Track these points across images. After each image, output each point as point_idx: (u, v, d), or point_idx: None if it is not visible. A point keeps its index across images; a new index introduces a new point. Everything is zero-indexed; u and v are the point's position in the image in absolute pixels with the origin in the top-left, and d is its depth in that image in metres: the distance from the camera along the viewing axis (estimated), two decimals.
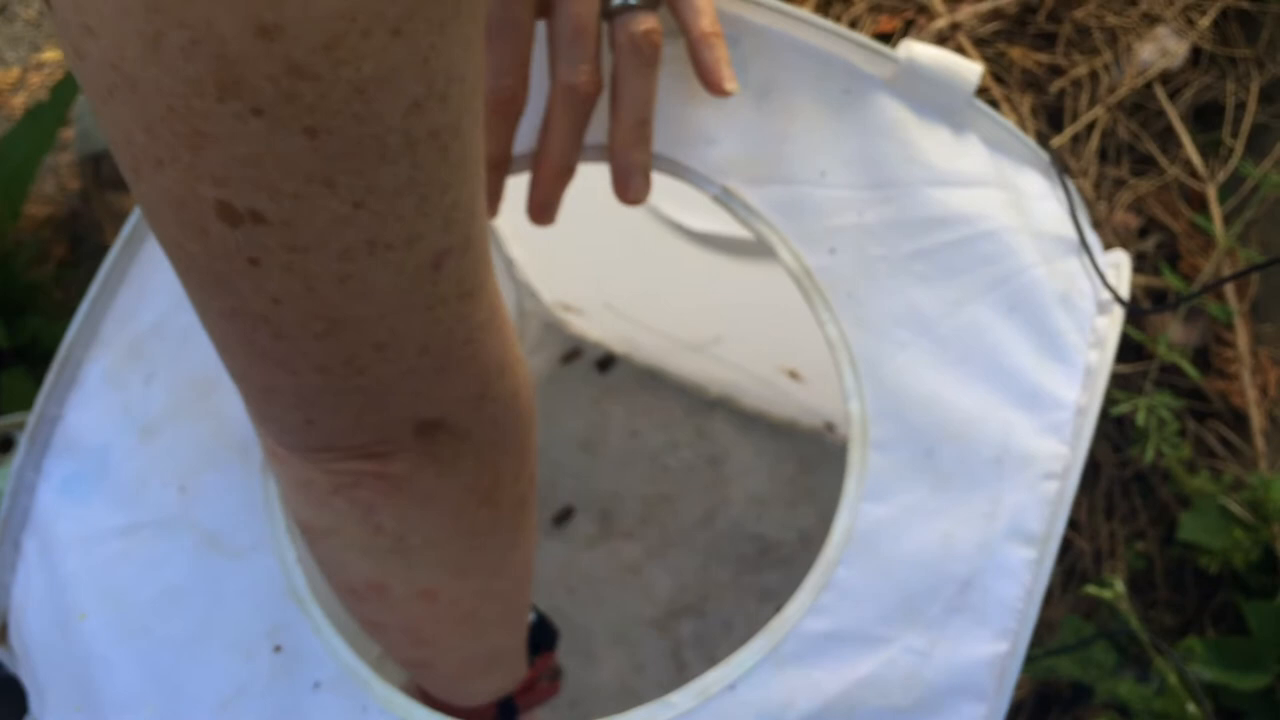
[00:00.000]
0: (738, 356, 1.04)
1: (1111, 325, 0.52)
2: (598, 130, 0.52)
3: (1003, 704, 0.47)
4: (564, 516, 1.04)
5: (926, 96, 0.52)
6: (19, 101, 1.07)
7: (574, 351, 1.10)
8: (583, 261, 1.01)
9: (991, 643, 0.47)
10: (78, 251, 1.06)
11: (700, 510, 1.04)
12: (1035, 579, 0.47)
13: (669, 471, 1.06)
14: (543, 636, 0.66)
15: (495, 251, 1.02)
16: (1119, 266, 0.54)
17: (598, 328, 1.09)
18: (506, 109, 0.49)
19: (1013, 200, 0.52)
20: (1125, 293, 0.53)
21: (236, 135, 0.29)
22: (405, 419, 0.40)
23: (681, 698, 0.46)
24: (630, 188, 0.52)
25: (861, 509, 0.48)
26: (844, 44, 0.52)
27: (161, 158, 0.30)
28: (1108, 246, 1.01)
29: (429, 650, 0.51)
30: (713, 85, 0.49)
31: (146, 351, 0.49)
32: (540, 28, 0.50)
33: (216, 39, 0.27)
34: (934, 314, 0.50)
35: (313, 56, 0.28)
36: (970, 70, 0.52)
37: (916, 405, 0.49)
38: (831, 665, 0.46)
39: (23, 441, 0.48)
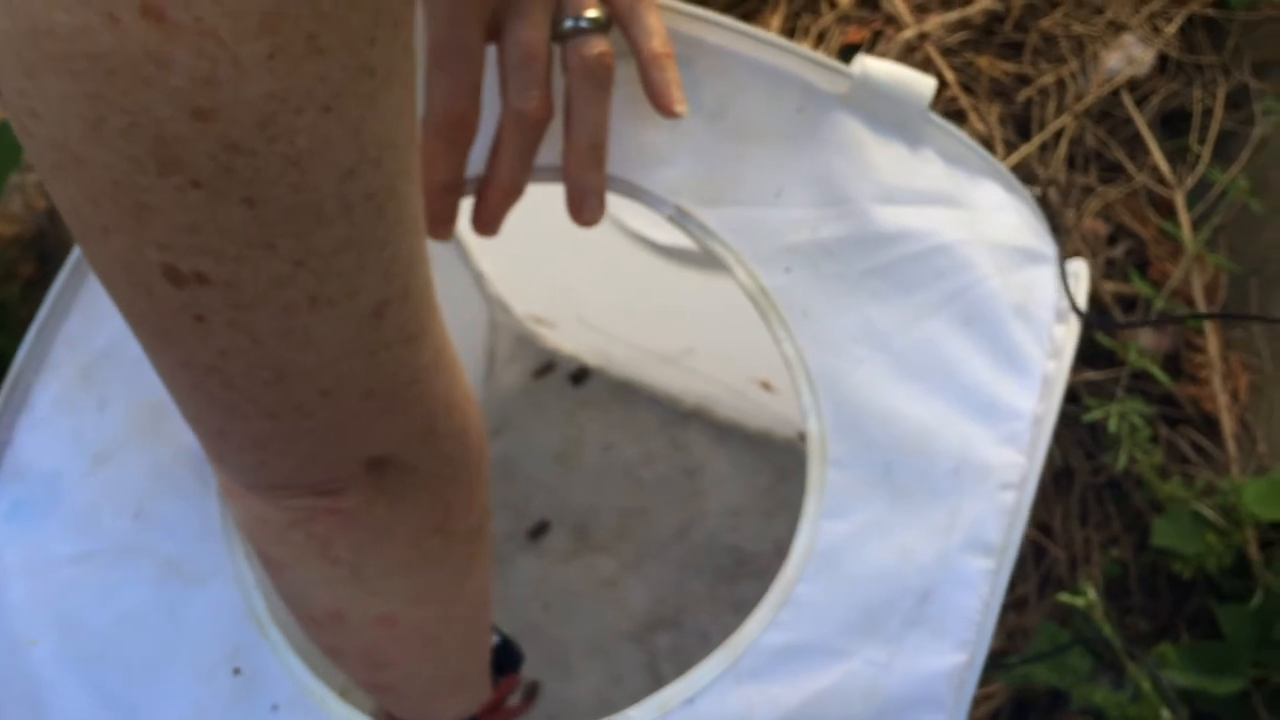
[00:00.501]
0: (711, 368, 1.04)
1: (1069, 334, 0.52)
2: (553, 152, 0.52)
3: (961, 714, 0.47)
4: (539, 530, 1.04)
5: (882, 111, 0.52)
6: None
7: (547, 365, 1.09)
8: (553, 274, 1.01)
9: (950, 654, 0.47)
10: (44, 270, 1.05)
11: (676, 522, 1.04)
12: (993, 590, 0.48)
13: (644, 484, 1.06)
14: (507, 658, 0.66)
15: (464, 265, 1.02)
16: (1078, 276, 0.54)
17: (571, 341, 1.09)
18: (458, 134, 0.49)
19: (967, 213, 0.53)
20: (1083, 301, 0.53)
21: (178, 206, 0.31)
22: (354, 457, 0.42)
23: (640, 712, 0.46)
24: (584, 209, 0.52)
25: (821, 526, 0.48)
26: (799, 61, 0.52)
27: (108, 225, 0.32)
28: (1075, 254, 1.01)
29: (391, 674, 0.51)
30: (663, 107, 0.49)
31: (99, 376, 0.49)
32: (491, 51, 0.50)
33: (154, 122, 0.29)
34: (890, 330, 0.50)
35: (247, 134, 0.29)
36: (924, 84, 0.52)
37: (874, 421, 0.49)
38: (790, 679, 0.46)
39: None
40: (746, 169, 0.52)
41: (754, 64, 0.52)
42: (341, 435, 0.40)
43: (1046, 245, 0.55)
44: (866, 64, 0.51)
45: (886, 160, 0.52)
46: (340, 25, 0.29)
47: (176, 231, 0.31)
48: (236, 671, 0.46)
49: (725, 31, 0.52)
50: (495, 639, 0.65)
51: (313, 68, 0.29)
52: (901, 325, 0.50)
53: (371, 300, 0.36)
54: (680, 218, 0.52)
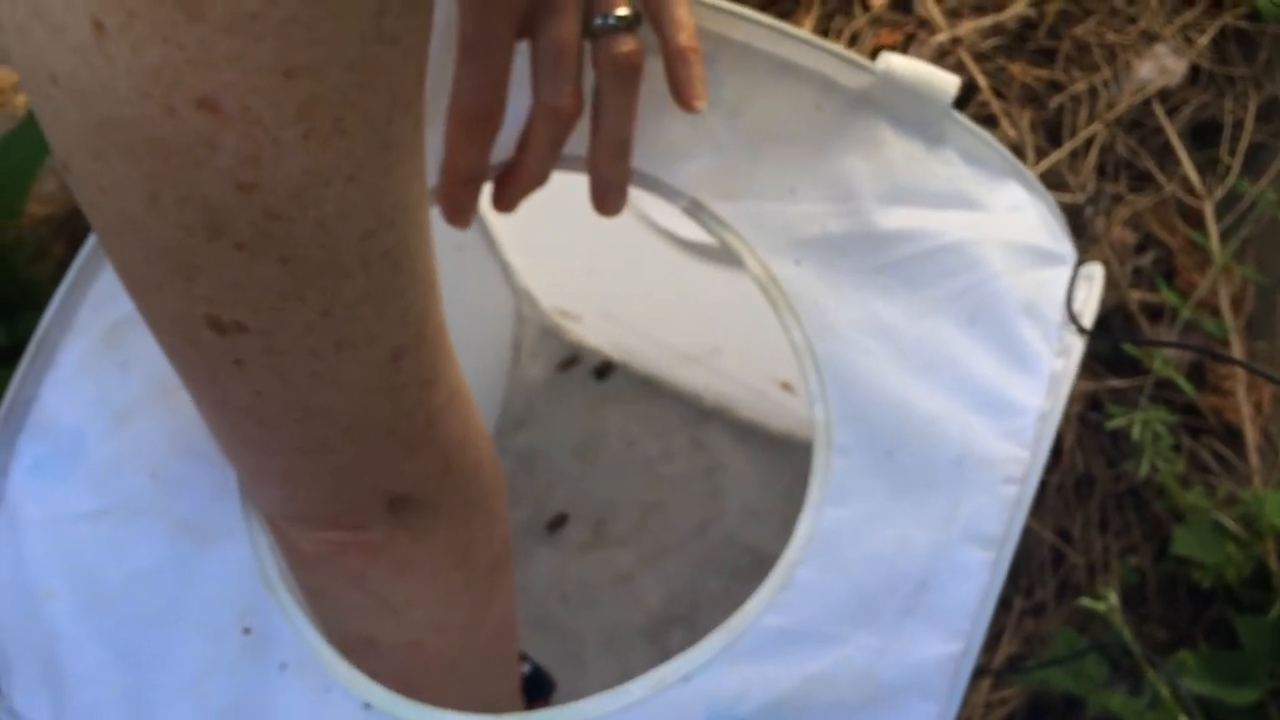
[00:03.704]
0: (734, 368, 1.04)
1: (1077, 335, 0.52)
2: (577, 142, 0.52)
3: (954, 704, 0.47)
4: (558, 523, 1.04)
5: (904, 109, 0.53)
6: (22, 101, 1.08)
7: (571, 359, 1.10)
8: (581, 268, 1.02)
9: (945, 643, 0.48)
10: (76, 250, 1.06)
11: (694, 520, 1.04)
12: (991, 581, 0.48)
13: (664, 480, 1.06)
14: (538, 687, 0.67)
15: (492, 257, 1.02)
16: (1092, 278, 0.55)
17: (595, 335, 1.09)
18: (482, 127, 0.51)
19: (983, 213, 0.53)
20: (1095, 303, 0.53)
21: (222, 265, 0.35)
22: (377, 493, 0.45)
23: (637, 687, 0.46)
24: (607, 202, 0.54)
25: (824, 512, 0.48)
26: (822, 57, 0.52)
27: (160, 282, 0.36)
28: (1104, 262, 1.01)
29: (423, 698, 0.52)
30: (684, 102, 0.50)
31: (122, 340, 0.49)
32: (521, 46, 0.51)
33: (204, 196, 0.33)
34: (897, 323, 0.51)
35: (284, 204, 0.34)
36: (947, 82, 0.52)
37: (879, 410, 0.49)
38: (786, 661, 0.47)
39: None
40: (762, 165, 0.52)
41: (776, 61, 0.53)
42: (364, 471, 0.44)
43: (1064, 246, 0.55)
44: (890, 60, 0.52)
45: (904, 159, 0.53)
46: (363, 109, 0.33)
47: (220, 287, 0.36)
48: (246, 631, 0.47)
49: (750, 26, 0.52)
50: (527, 668, 0.67)
51: (340, 146, 0.34)
52: (908, 320, 0.51)
53: (389, 345, 0.40)
54: (695, 210, 0.53)
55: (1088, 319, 0.53)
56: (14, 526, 0.48)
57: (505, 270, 1.04)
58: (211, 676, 0.46)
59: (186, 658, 0.46)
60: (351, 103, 0.33)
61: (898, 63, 0.52)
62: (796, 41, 0.52)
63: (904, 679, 0.47)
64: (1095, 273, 0.55)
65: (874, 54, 0.87)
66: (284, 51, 0.31)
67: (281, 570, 0.48)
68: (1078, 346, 0.52)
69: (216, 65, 0.30)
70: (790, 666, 0.46)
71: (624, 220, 0.93)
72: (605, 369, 1.10)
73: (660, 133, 0.53)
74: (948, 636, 0.48)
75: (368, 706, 0.46)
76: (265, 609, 0.47)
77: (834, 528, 0.48)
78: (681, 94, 0.50)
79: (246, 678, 0.46)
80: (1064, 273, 0.54)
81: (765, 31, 0.52)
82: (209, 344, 0.38)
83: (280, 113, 0.32)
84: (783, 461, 1.05)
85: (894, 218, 0.52)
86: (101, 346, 0.49)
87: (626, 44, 0.49)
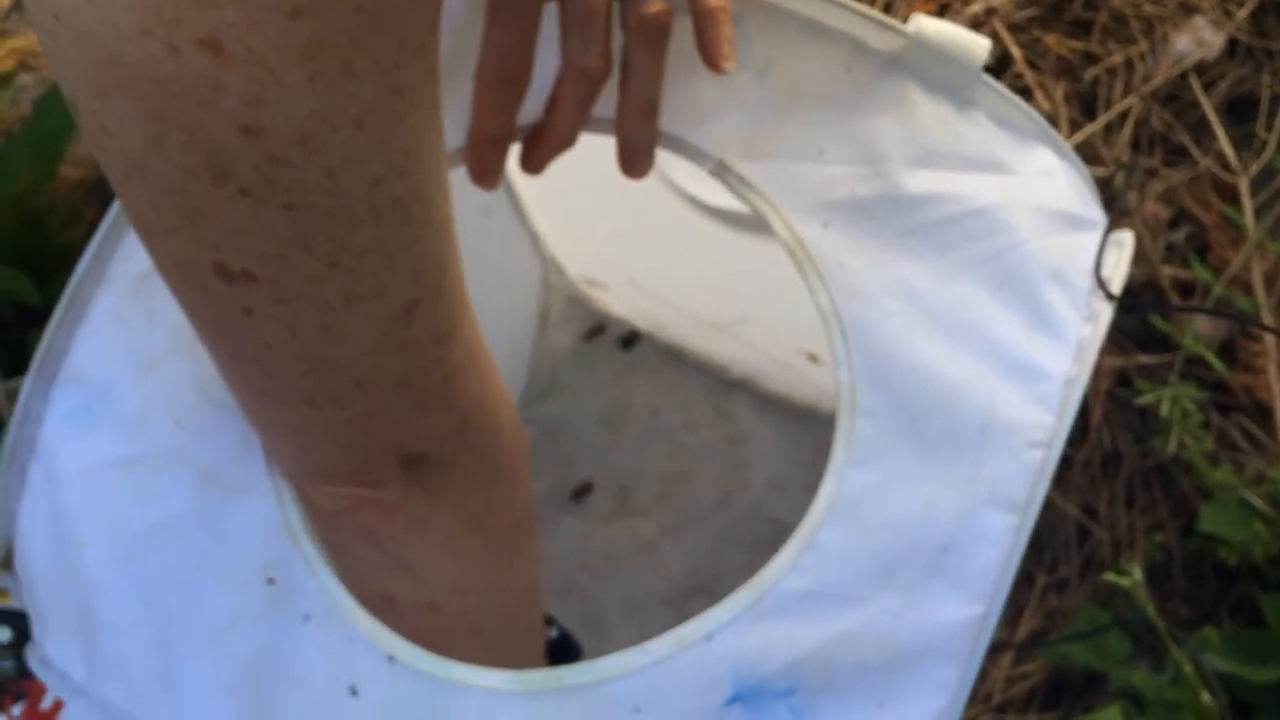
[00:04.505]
0: (760, 338, 1.03)
1: (1105, 301, 0.52)
2: (605, 104, 0.52)
3: (974, 666, 0.47)
4: (582, 492, 1.05)
5: (934, 71, 0.52)
6: None
7: (598, 327, 1.10)
8: (608, 237, 1.02)
9: (966, 606, 0.48)
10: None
11: (718, 491, 1.04)
12: (1014, 545, 0.48)
13: (688, 451, 1.06)
14: (564, 653, 0.67)
15: (520, 225, 1.02)
16: (1122, 244, 0.54)
17: (622, 304, 1.09)
18: (510, 89, 0.50)
19: (1012, 177, 0.53)
20: (1125, 269, 0.53)
21: (228, 211, 0.35)
22: (390, 450, 0.45)
23: (659, 645, 0.46)
24: (635, 163, 0.54)
25: (848, 475, 0.48)
26: (852, 18, 0.52)
27: (167, 228, 0.36)
28: (1137, 236, 1.00)
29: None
30: (712, 62, 0.50)
31: (147, 290, 0.50)
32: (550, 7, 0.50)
33: (208, 138, 0.33)
34: (923, 287, 0.50)
35: (289, 148, 0.33)
36: (979, 45, 0.52)
37: (903, 374, 0.49)
38: (808, 622, 0.47)
39: (30, 372, 0.49)
40: (790, 126, 0.52)
41: (804, 21, 0.52)
42: (377, 427, 0.44)
43: (1094, 212, 0.55)
44: (921, 22, 0.51)
45: (933, 121, 0.52)
46: (371, 52, 0.33)
47: (226, 234, 0.35)
48: (270, 581, 0.47)
49: None
50: (554, 633, 0.67)
51: (347, 89, 0.33)
52: (935, 284, 0.50)
53: (401, 298, 0.40)
54: (721, 171, 0.53)
55: (1116, 285, 0.52)
56: (49, 476, 0.49)
57: (533, 237, 1.04)
58: (236, 627, 0.47)
59: (212, 609, 0.47)
60: (359, 46, 0.33)
61: (929, 25, 0.51)
62: (826, 2, 0.52)
63: (925, 641, 0.47)
64: (1125, 239, 0.54)
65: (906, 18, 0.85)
66: None
67: (305, 523, 0.48)
68: (1106, 313, 0.51)
69: (220, 4, 0.30)
70: (813, 627, 0.46)
71: (652, 188, 0.93)
72: (631, 338, 1.09)
73: (688, 93, 0.52)
74: (970, 599, 0.47)
75: (391, 659, 0.46)
76: (289, 561, 0.47)
77: (857, 491, 0.48)
78: (709, 54, 0.50)
79: (271, 629, 0.47)
80: (1094, 239, 0.54)
81: None
82: (217, 292, 0.38)
83: (285, 54, 0.31)
84: (806, 434, 1.05)
85: (922, 181, 0.51)
86: (130, 297, 0.50)
87: (655, 4, 0.49)
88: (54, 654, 0.49)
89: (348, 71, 0.33)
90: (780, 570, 0.47)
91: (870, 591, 0.47)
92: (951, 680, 0.47)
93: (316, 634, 0.46)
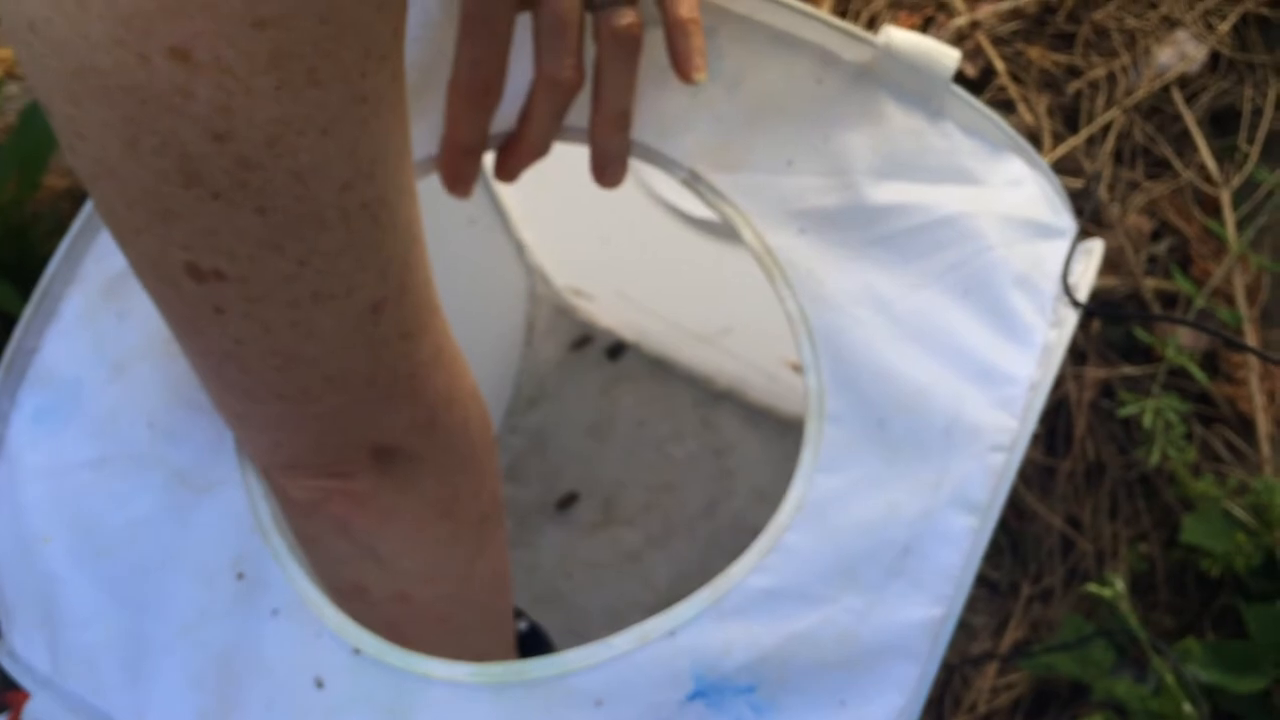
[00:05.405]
0: (745, 349, 1.04)
1: (1071, 307, 0.52)
2: (578, 114, 0.53)
3: (933, 666, 0.48)
4: (567, 502, 1.05)
5: (904, 82, 0.53)
6: None
7: (584, 338, 1.10)
8: (595, 247, 1.02)
9: (927, 606, 0.48)
10: None
11: (703, 501, 1.04)
12: (974, 546, 0.49)
13: (674, 461, 1.06)
14: (535, 645, 0.67)
15: (506, 236, 1.03)
16: (1091, 252, 0.55)
17: (608, 315, 1.09)
18: (482, 99, 0.51)
19: (980, 187, 0.53)
20: (1092, 276, 0.53)
21: (198, 213, 0.35)
22: (361, 443, 0.46)
23: (622, 640, 0.46)
24: (608, 173, 0.55)
25: (815, 480, 0.48)
26: (823, 30, 0.52)
27: (139, 228, 0.37)
28: (1118, 248, 1.00)
29: (414, 649, 0.53)
30: (683, 73, 0.50)
31: (120, 291, 0.50)
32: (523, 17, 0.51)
33: (179, 142, 0.34)
34: (890, 295, 0.51)
35: (258, 152, 0.34)
36: (948, 56, 0.52)
37: (871, 379, 0.50)
38: (770, 620, 0.47)
39: None
40: (761, 137, 0.53)
41: (776, 33, 0.53)
42: (347, 421, 0.45)
43: (1064, 221, 0.56)
44: (891, 34, 0.52)
45: (903, 132, 0.53)
46: (335, 60, 0.34)
47: (197, 234, 0.36)
48: (240, 576, 0.47)
49: (752, 0, 0.53)
50: (523, 625, 0.67)
51: (313, 96, 0.34)
52: (902, 291, 0.51)
53: (369, 297, 0.41)
54: (694, 181, 0.53)
55: (1083, 291, 0.53)
56: (13, 475, 0.49)
57: (519, 248, 1.05)
58: (206, 621, 0.47)
59: (182, 602, 0.47)
60: (324, 54, 0.34)
61: (898, 36, 0.52)
62: (797, 14, 0.52)
63: (886, 640, 0.48)
64: (1095, 247, 0.55)
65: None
66: (254, 2, 0.31)
67: (276, 517, 0.48)
68: (1071, 319, 0.52)
69: (188, 14, 0.31)
70: (774, 625, 0.47)
71: (638, 199, 0.93)
72: (618, 349, 1.10)
73: (660, 104, 0.53)
74: (930, 600, 0.48)
75: (357, 652, 0.46)
76: (259, 555, 0.48)
77: (824, 495, 0.49)
78: (681, 66, 0.50)
79: (240, 623, 0.47)
80: (1062, 246, 0.54)
81: (766, 4, 0.52)
82: (189, 291, 0.38)
83: (252, 62, 0.32)
84: (792, 444, 1.05)
85: (890, 191, 0.52)
86: (101, 298, 0.50)
87: (627, 16, 0.50)
88: (20, 647, 0.50)
89: (313, 79, 0.34)
90: (745, 569, 0.48)
91: (833, 591, 0.48)
92: (911, 680, 0.48)
93: (284, 627, 0.47)
